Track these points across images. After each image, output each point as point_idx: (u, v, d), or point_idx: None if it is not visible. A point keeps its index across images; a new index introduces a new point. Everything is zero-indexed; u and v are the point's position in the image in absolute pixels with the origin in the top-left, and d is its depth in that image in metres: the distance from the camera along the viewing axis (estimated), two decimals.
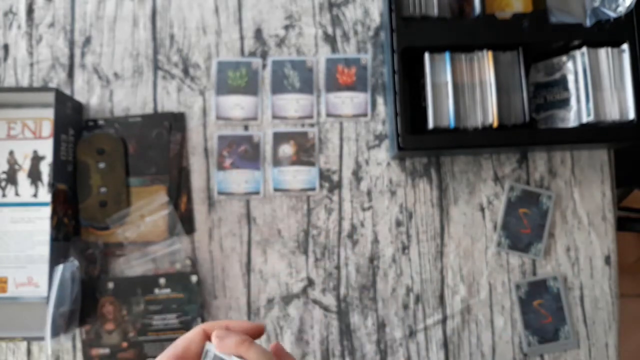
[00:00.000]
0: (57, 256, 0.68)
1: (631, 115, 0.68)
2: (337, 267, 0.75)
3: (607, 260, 0.75)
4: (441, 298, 0.74)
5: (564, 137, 0.70)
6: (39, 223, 0.72)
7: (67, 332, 0.69)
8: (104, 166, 0.74)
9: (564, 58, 0.71)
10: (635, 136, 0.69)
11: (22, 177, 0.73)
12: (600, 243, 0.75)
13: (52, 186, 0.68)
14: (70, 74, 0.78)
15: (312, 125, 0.77)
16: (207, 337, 0.45)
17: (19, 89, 0.76)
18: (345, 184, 0.76)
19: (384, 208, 0.76)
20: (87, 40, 0.78)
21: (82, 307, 0.71)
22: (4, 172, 0.73)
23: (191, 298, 0.72)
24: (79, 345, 0.72)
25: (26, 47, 0.78)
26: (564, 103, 0.71)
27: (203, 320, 0.72)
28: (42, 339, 0.65)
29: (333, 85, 0.77)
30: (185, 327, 0.71)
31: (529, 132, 0.71)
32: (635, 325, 1.32)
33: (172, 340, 0.71)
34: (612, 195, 0.76)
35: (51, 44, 0.78)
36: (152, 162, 0.75)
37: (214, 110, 0.77)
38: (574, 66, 0.70)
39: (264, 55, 0.78)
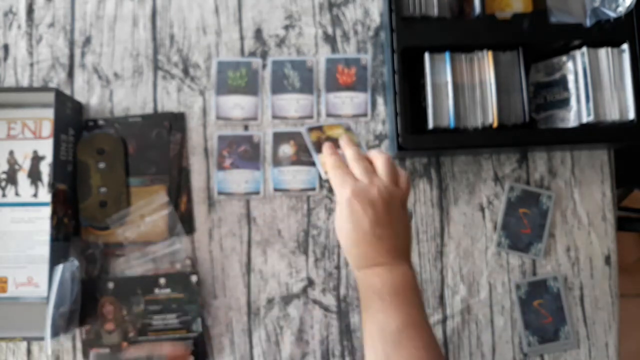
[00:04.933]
0: (57, 256, 0.68)
1: (631, 115, 0.68)
2: (337, 267, 0.75)
3: (607, 260, 0.75)
4: (441, 298, 0.74)
5: (564, 137, 0.70)
6: (39, 223, 0.72)
7: (67, 332, 0.69)
8: (104, 166, 0.74)
9: (564, 58, 0.71)
10: (635, 136, 0.69)
11: (22, 177, 0.73)
12: (600, 243, 0.75)
13: (52, 186, 0.68)
14: (70, 74, 0.78)
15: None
16: None
17: (19, 89, 0.76)
18: None
19: None
20: (87, 40, 0.78)
21: (82, 307, 0.71)
22: (4, 172, 0.73)
23: (191, 298, 0.72)
24: (79, 345, 0.72)
25: (26, 47, 0.78)
26: (564, 103, 0.71)
27: (203, 320, 0.72)
28: (42, 339, 0.65)
29: (333, 85, 0.77)
30: (186, 327, 0.71)
31: (529, 132, 0.71)
32: (635, 325, 1.32)
33: (172, 340, 0.71)
34: (612, 195, 0.76)
35: (51, 44, 0.78)
36: (152, 162, 0.75)
37: (214, 110, 0.77)
38: (574, 66, 0.70)
39: (264, 55, 0.78)
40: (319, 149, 0.67)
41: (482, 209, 0.76)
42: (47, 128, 0.74)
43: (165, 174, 0.75)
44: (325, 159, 0.62)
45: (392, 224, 0.56)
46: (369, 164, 0.59)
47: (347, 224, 0.55)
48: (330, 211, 0.75)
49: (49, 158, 0.73)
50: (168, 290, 0.72)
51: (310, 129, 0.71)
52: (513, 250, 0.75)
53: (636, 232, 1.42)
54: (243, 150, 0.76)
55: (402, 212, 0.57)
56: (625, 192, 1.25)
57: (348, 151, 0.61)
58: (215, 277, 0.74)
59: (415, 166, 0.76)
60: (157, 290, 0.72)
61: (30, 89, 0.76)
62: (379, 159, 0.58)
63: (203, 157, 0.76)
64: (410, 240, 0.59)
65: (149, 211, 0.73)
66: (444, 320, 0.74)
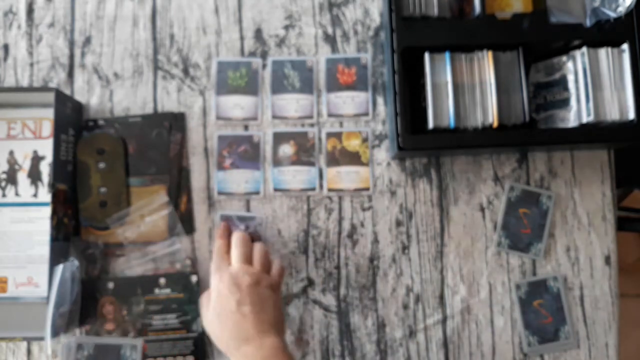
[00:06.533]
0: (57, 256, 0.68)
1: (631, 115, 0.68)
2: (337, 267, 0.75)
3: (607, 260, 0.75)
4: (441, 298, 0.74)
5: (564, 137, 0.70)
6: (39, 223, 0.72)
7: (67, 332, 0.69)
8: (104, 166, 0.74)
9: (564, 58, 0.71)
10: (635, 136, 0.69)
11: (22, 177, 0.73)
12: (600, 243, 0.75)
13: (52, 186, 0.68)
14: (70, 74, 0.78)
15: (312, 125, 0.77)
16: None
17: (19, 89, 0.76)
18: None
19: (384, 208, 0.76)
20: (87, 40, 0.78)
21: (82, 307, 0.71)
22: (4, 172, 0.73)
23: (191, 298, 0.72)
24: None
25: (26, 47, 0.78)
26: (564, 103, 0.71)
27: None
28: (42, 339, 0.65)
29: (334, 85, 0.77)
30: (186, 327, 0.71)
31: (529, 132, 0.71)
32: (635, 325, 1.32)
33: (172, 340, 0.71)
34: (612, 195, 0.76)
35: (51, 44, 0.78)
36: (152, 162, 0.75)
37: (214, 110, 0.77)
38: (574, 66, 0.70)
39: (264, 55, 0.78)
40: (331, 162, 0.74)
41: (482, 209, 0.76)
42: (47, 128, 0.74)
43: (165, 174, 0.75)
44: (216, 239, 0.70)
45: (258, 302, 0.61)
46: (249, 250, 0.66)
47: (215, 309, 0.62)
48: (330, 211, 0.75)
49: (49, 158, 0.73)
50: (168, 290, 0.72)
51: (329, 135, 0.73)
52: (513, 250, 0.75)
53: (636, 232, 1.42)
54: (243, 150, 0.76)
55: (271, 294, 0.63)
56: (625, 192, 1.25)
57: (234, 236, 0.67)
58: None
59: (415, 166, 0.76)
60: (157, 290, 0.72)
61: (30, 89, 0.76)
62: (256, 248, 0.67)
63: (203, 157, 0.76)
64: (282, 317, 0.64)
65: (149, 211, 0.74)
66: (444, 320, 0.74)
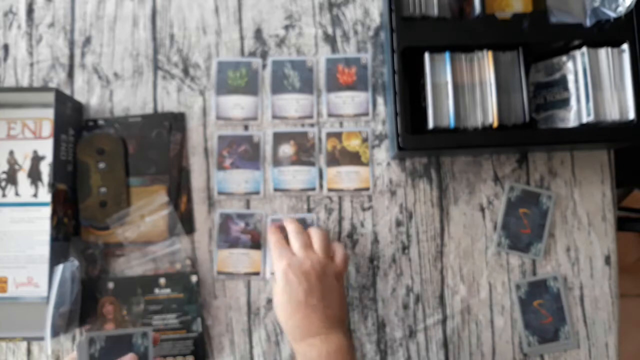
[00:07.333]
0: (57, 256, 0.68)
1: (631, 115, 0.68)
2: None
3: (607, 260, 0.75)
4: (441, 298, 0.74)
5: (564, 137, 0.70)
6: (39, 223, 0.72)
7: (67, 332, 0.69)
8: (104, 166, 0.74)
9: (564, 58, 0.71)
10: (635, 136, 0.69)
11: (22, 177, 0.73)
12: (600, 243, 0.75)
13: (52, 186, 0.68)
14: (70, 74, 0.78)
15: (312, 125, 0.77)
16: None
17: (19, 89, 0.76)
18: None
19: (384, 208, 0.76)
20: (87, 40, 0.78)
21: (82, 307, 0.71)
22: (4, 172, 0.73)
23: (191, 298, 0.72)
24: None
25: (26, 47, 0.78)
26: (564, 103, 0.71)
27: (203, 320, 0.72)
28: (42, 339, 0.65)
29: (334, 85, 0.77)
30: (186, 327, 0.71)
31: (529, 132, 0.71)
32: (635, 325, 1.32)
33: (172, 340, 0.71)
34: (612, 195, 0.76)
35: (51, 44, 0.78)
36: (152, 162, 0.75)
37: (214, 110, 0.77)
38: (574, 66, 0.70)
39: (264, 55, 0.78)
40: (331, 162, 0.75)
41: (482, 209, 0.76)
42: (47, 128, 0.74)
43: (165, 174, 0.75)
44: (268, 237, 0.70)
45: (326, 295, 0.61)
46: (308, 238, 0.65)
47: (282, 295, 0.61)
48: (330, 211, 0.75)
49: (49, 158, 0.73)
50: (168, 290, 0.72)
51: (329, 135, 0.73)
52: (513, 250, 0.75)
53: (636, 232, 1.42)
54: (243, 150, 0.76)
55: (336, 284, 0.63)
56: (625, 192, 1.25)
57: (290, 226, 0.67)
58: (215, 277, 0.74)
59: (415, 166, 0.76)
60: (157, 290, 0.72)
61: (30, 89, 0.76)
62: (316, 235, 0.65)
63: (203, 157, 0.76)
64: (346, 310, 0.65)
65: (149, 211, 0.74)
66: (444, 320, 0.74)
